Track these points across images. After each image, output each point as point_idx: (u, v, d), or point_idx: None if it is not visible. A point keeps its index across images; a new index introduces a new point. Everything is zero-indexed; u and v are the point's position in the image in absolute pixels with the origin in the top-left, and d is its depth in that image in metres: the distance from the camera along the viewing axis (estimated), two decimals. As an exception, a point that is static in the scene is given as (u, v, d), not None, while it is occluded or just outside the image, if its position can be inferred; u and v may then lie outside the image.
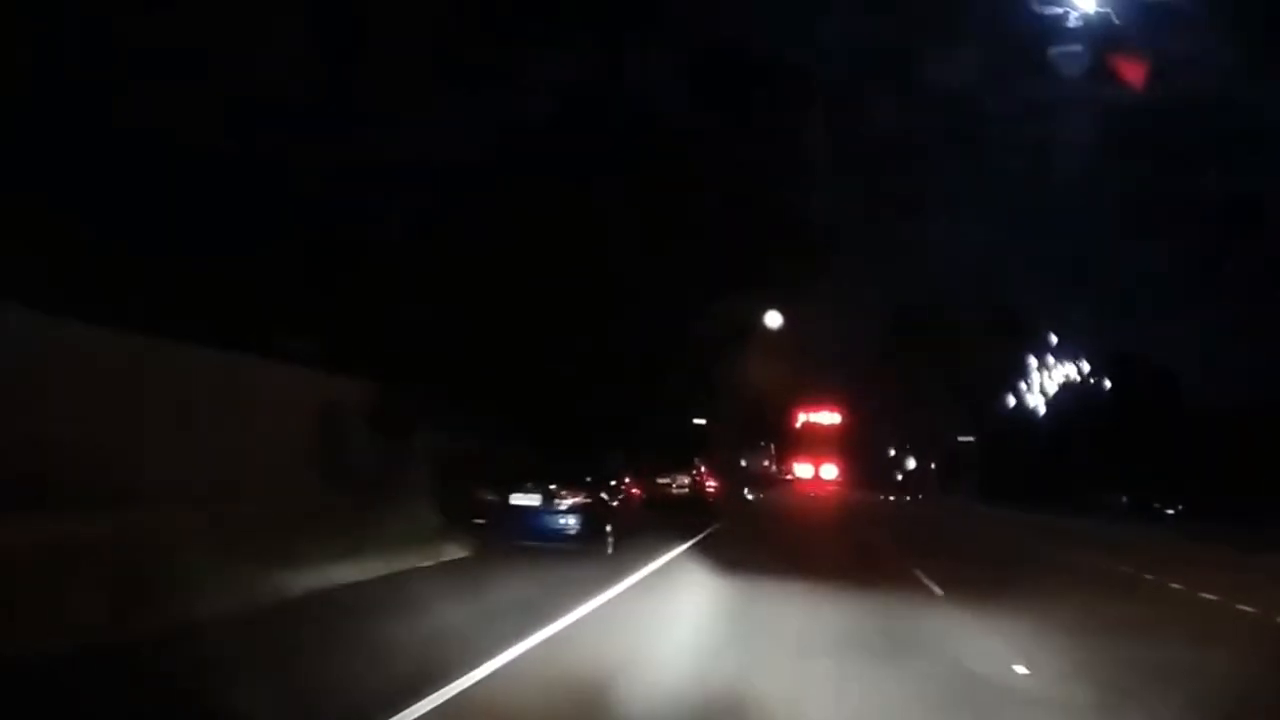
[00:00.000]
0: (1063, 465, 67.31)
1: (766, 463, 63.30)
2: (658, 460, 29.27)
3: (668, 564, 14.33)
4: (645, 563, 13.65)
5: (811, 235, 45.39)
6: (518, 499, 13.75)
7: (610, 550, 14.22)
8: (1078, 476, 66.55)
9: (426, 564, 12.31)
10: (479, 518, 13.77)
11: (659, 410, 43.54)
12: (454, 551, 13.62)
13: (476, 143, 34.66)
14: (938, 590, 12.93)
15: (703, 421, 54.30)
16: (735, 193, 39.08)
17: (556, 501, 13.67)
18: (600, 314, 33.11)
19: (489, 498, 13.91)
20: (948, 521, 34.55)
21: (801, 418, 60.60)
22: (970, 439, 62.34)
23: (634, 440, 39.68)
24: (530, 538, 13.72)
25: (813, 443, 61.18)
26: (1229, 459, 50.79)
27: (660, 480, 26.29)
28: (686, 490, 26.31)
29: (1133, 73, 14.69)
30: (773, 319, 51.25)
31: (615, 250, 36.98)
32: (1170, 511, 57.67)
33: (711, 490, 28.84)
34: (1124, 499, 61.42)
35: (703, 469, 30.13)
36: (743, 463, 61.14)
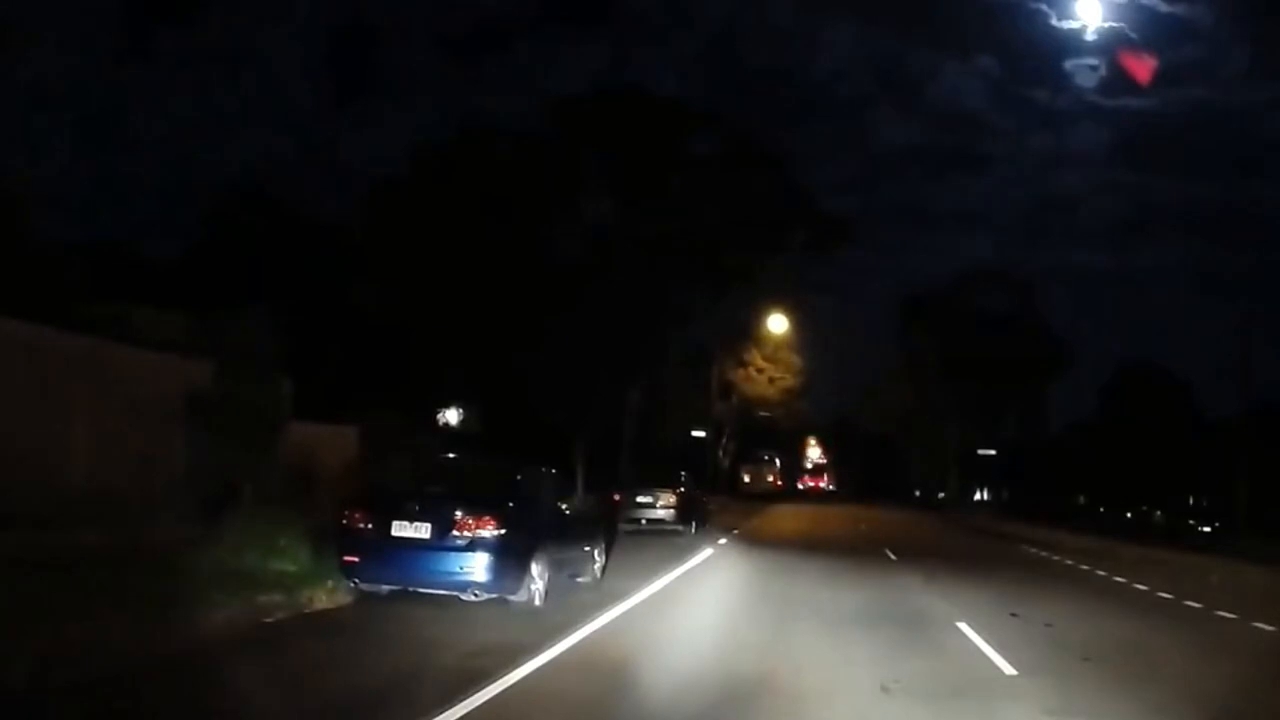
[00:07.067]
0: (1084, 479, 63.90)
1: (771, 478, 59.48)
2: (641, 475, 25.33)
3: (624, 616, 10.10)
4: (588, 621, 9.40)
5: (821, 235, 41.75)
6: (400, 529, 9.46)
7: (538, 601, 9.90)
8: (1100, 490, 63.07)
9: (271, 619, 8.84)
10: (350, 553, 9.52)
11: (652, 418, 39.63)
12: (323, 599, 9.91)
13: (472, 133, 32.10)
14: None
15: (702, 434, 50.25)
16: (740, 191, 35.53)
17: (453, 534, 9.36)
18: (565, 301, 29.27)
19: (363, 526, 9.61)
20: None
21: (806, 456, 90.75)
22: (991, 452, 58.09)
23: (632, 451, 35.80)
24: (416, 584, 9.49)
25: (812, 468, 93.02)
26: (1253, 469, 47.43)
27: (641, 499, 21.97)
28: (673, 510, 21.86)
29: (1140, 70, 14.87)
30: (777, 323, 47.29)
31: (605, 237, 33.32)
32: (1207, 529, 53.49)
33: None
34: (1158, 514, 57.32)
35: (695, 487, 25.77)
36: (745, 478, 57.00)
